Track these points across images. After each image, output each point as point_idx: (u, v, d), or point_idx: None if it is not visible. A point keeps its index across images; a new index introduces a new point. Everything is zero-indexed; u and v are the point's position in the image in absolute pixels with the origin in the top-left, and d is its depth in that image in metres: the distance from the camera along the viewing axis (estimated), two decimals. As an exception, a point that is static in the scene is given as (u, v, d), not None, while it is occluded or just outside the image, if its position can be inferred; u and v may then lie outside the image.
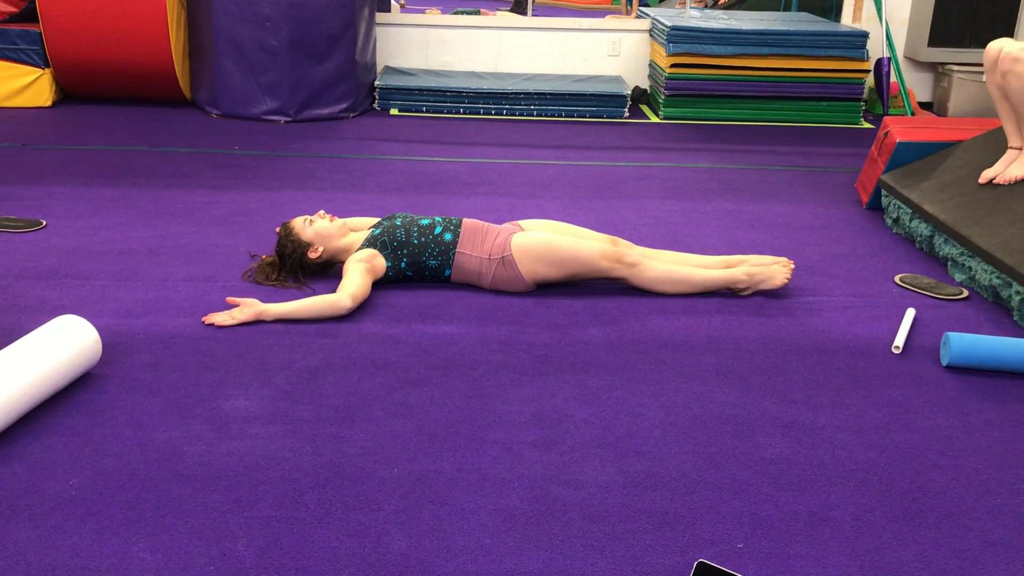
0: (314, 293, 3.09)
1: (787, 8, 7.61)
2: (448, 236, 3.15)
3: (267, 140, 5.16)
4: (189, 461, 2.16)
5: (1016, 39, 6.34)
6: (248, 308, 2.88)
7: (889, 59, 6.20)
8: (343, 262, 3.21)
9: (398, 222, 3.19)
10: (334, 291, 3.01)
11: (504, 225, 3.26)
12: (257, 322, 2.87)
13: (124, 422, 2.31)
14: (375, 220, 3.37)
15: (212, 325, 2.84)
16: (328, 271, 3.25)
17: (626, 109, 6.07)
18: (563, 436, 2.32)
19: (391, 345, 2.77)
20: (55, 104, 5.70)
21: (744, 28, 5.90)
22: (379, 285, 3.16)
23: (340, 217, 3.55)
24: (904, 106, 6.23)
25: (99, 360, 2.54)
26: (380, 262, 3.11)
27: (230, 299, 2.93)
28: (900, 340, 2.88)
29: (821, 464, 2.25)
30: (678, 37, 5.87)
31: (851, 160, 5.15)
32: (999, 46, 3.55)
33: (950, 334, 2.75)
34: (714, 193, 4.47)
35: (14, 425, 2.25)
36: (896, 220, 3.95)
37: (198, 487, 2.06)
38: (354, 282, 2.98)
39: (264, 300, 2.99)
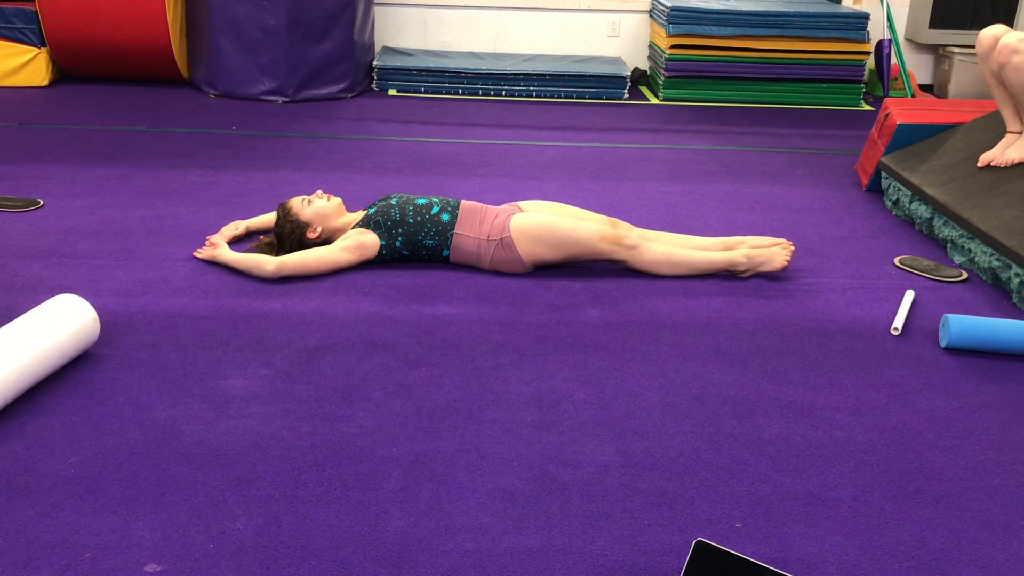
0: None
1: (788, -11, 7.57)
2: (445, 217, 3.14)
3: (265, 120, 5.14)
4: (188, 440, 2.16)
5: (1016, 23, 6.33)
6: (211, 248, 3.14)
7: (890, 41, 6.17)
8: (341, 242, 3.21)
9: (393, 201, 3.19)
10: (328, 272, 3.03)
11: (503, 206, 3.25)
12: (212, 263, 3.12)
13: (123, 401, 2.31)
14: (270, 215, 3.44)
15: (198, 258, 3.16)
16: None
17: (626, 90, 6.05)
18: (562, 416, 2.33)
19: (390, 325, 2.77)
20: (52, 83, 5.67)
21: (744, 9, 5.88)
22: (376, 264, 3.15)
23: (339, 198, 3.54)
24: (904, 88, 6.21)
25: (97, 339, 2.53)
26: (369, 239, 3.11)
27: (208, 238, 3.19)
28: (899, 322, 2.88)
29: (819, 445, 2.25)
30: (678, 18, 5.84)
31: (851, 142, 5.14)
32: (993, 34, 3.52)
33: (949, 316, 2.75)
34: (714, 175, 4.46)
35: (13, 404, 2.25)
36: (896, 202, 3.95)
37: (197, 466, 2.07)
38: (301, 255, 3.06)
39: (265, 282, 3.00)
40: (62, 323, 2.37)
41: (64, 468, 2.04)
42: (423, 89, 5.99)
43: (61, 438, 2.15)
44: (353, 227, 3.16)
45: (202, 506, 1.94)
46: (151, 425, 2.21)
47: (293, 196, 3.40)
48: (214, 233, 3.39)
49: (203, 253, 3.15)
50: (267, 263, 3.01)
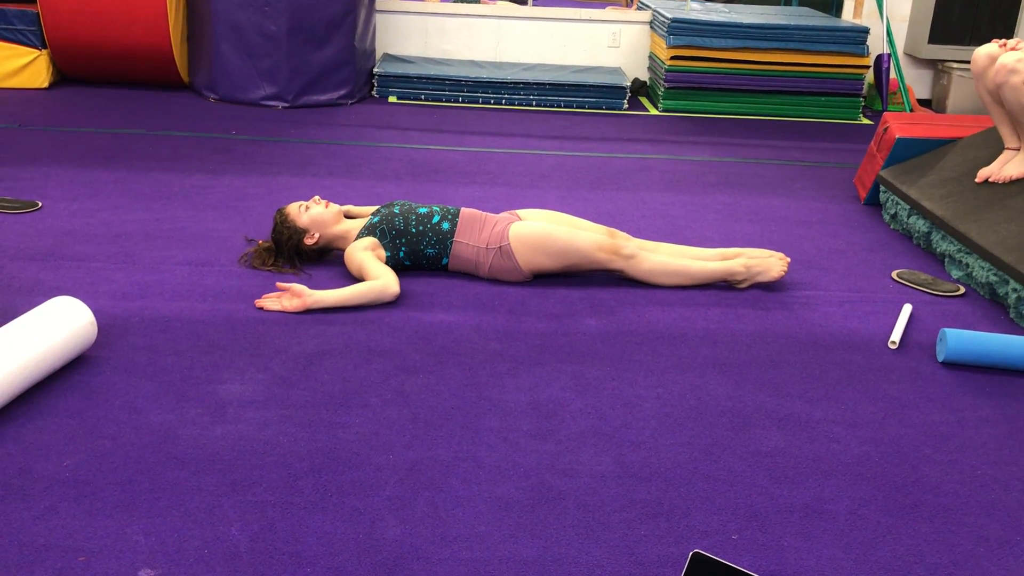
0: (310, 279, 3.08)
1: (788, 2, 7.59)
2: (446, 225, 3.14)
3: (265, 125, 5.14)
4: (183, 444, 2.15)
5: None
6: (297, 299, 2.84)
7: (889, 55, 6.19)
8: (339, 248, 3.20)
9: (396, 210, 3.18)
10: (333, 277, 3.02)
11: (502, 215, 3.25)
12: (304, 312, 2.84)
13: (119, 405, 2.30)
14: (374, 208, 3.36)
15: (262, 309, 2.84)
16: (324, 257, 3.24)
17: (625, 101, 6.06)
18: (559, 425, 2.32)
19: (387, 332, 2.76)
20: (52, 86, 5.67)
21: (745, 22, 5.90)
22: (376, 272, 3.15)
23: (338, 204, 3.55)
24: (903, 102, 6.23)
25: (94, 342, 2.53)
26: (380, 252, 3.11)
27: (279, 284, 2.90)
28: (896, 335, 2.88)
29: (816, 457, 2.25)
30: (679, 29, 5.85)
31: (850, 156, 5.15)
32: (988, 53, 3.53)
33: (946, 330, 2.75)
34: (712, 186, 4.46)
35: (8, 406, 2.24)
36: (894, 216, 3.95)
37: (192, 470, 2.06)
38: (384, 270, 2.98)
39: (262, 287, 3.00)
40: (59, 325, 2.37)
41: (59, 471, 2.03)
42: (423, 96, 6.00)
43: (57, 441, 2.14)
44: (357, 235, 3.14)
45: (197, 511, 1.93)
46: (147, 429, 2.21)
47: (291, 201, 3.40)
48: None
49: (289, 304, 2.83)
50: (388, 286, 2.90)
